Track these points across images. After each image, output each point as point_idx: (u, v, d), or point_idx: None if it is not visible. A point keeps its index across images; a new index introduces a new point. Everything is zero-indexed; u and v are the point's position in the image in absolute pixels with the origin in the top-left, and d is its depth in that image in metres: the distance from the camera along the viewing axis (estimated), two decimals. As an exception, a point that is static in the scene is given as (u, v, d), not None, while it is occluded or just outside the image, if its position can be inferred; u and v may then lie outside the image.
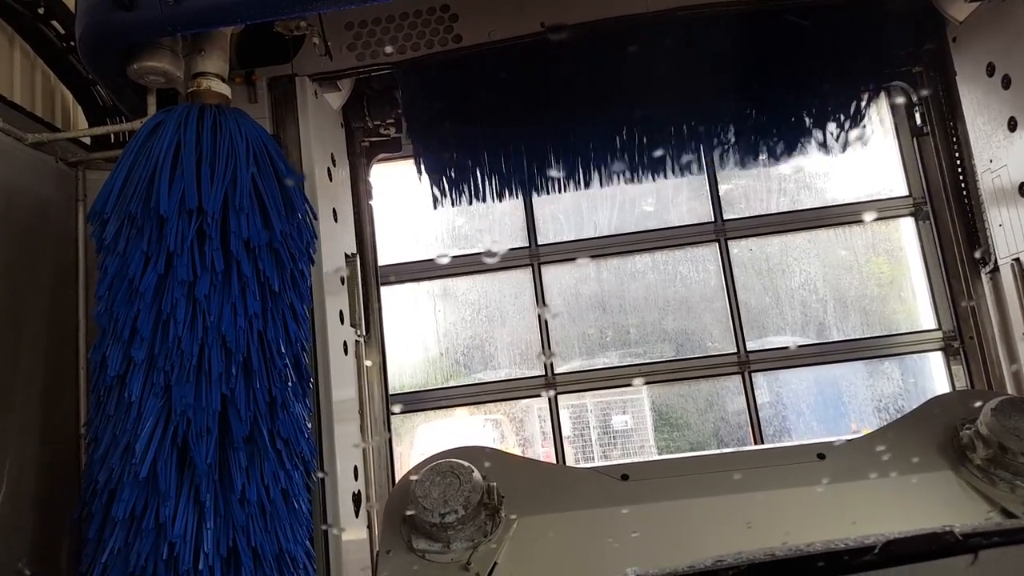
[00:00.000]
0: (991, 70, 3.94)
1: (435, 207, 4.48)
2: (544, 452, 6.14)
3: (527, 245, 6.23)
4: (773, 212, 6.28)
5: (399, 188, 6.11)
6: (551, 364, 6.13)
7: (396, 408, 5.94)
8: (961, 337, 4.75)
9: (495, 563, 3.17)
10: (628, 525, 3.34)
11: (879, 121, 4.62)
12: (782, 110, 4.38)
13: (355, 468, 3.89)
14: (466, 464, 3.36)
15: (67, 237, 3.71)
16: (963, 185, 4.12)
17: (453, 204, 4.53)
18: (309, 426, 3.38)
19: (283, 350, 3.23)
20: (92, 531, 3.11)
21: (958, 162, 4.14)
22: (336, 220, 3.99)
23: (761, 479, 3.44)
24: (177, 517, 3.00)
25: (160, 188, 3.12)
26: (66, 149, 3.78)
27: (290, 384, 3.26)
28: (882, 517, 3.19)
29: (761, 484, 3.42)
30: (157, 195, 3.11)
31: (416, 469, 3.49)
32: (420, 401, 6.07)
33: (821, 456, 3.53)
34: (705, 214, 6.30)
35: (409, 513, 3.33)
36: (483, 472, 3.38)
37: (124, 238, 3.16)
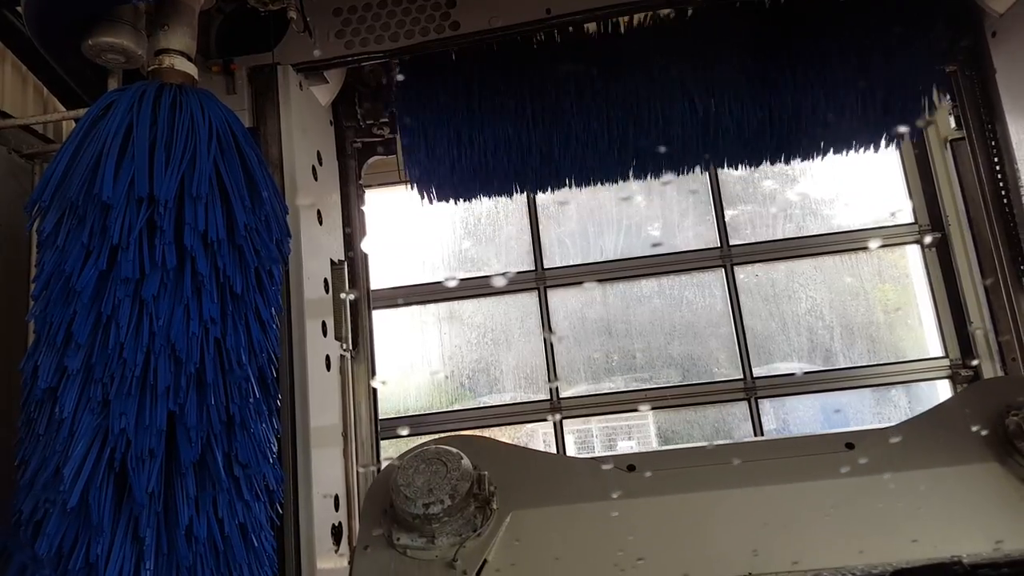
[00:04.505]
0: (1036, 65, 3.21)
1: (427, 202, 3.77)
2: (548, 478, 5.55)
3: (533, 268, 5.80)
4: (779, 238, 5.81)
5: (404, 212, 5.67)
6: (556, 388, 5.63)
7: (404, 431, 5.49)
8: (1003, 359, 4.00)
9: (484, 560, 2.59)
10: (634, 522, 2.68)
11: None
12: (797, 115, 3.67)
13: (336, 497, 3.11)
14: (454, 450, 2.73)
15: (18, 236, 3.01)
16: (1004, 192, 3.36)
17: (438, 202, 3.82)
18: (275, 450, 2.61)
19: (244, 361, 2.50)
20: (13, 570, 2.37)
21: (997, 168, 3.38)
22: (321, 223, 3.28)
23: (784, 471, 2.80)
24: (111, 556, 2.27)
25: (105, 172, 2.43)
26: (21, 140, 3.09)
27: (252, 400, 2.54)
28: (919, 514, 2.60)
29: (784, 476, 2.77)
30: (101, 180, 2.40)
31: (402, 457, 2.84)
32: (424, 424, 5.63)
33: (850, 446, 2.87)
34: (711, 239, 5.81)
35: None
36: (475, 461, 2.75)
37: (64, 230, 2.48)
